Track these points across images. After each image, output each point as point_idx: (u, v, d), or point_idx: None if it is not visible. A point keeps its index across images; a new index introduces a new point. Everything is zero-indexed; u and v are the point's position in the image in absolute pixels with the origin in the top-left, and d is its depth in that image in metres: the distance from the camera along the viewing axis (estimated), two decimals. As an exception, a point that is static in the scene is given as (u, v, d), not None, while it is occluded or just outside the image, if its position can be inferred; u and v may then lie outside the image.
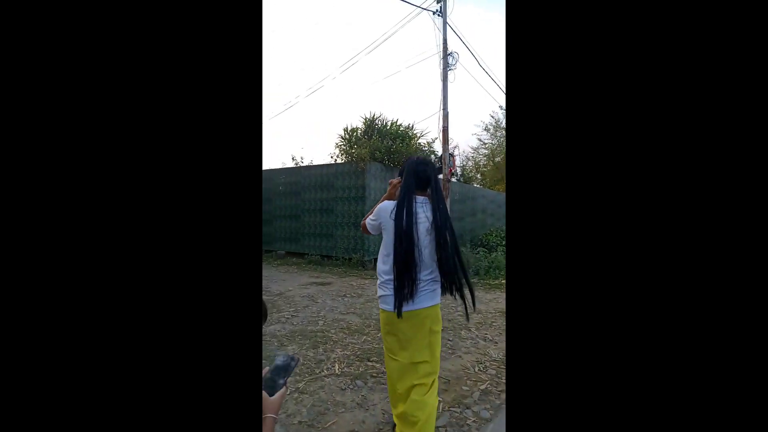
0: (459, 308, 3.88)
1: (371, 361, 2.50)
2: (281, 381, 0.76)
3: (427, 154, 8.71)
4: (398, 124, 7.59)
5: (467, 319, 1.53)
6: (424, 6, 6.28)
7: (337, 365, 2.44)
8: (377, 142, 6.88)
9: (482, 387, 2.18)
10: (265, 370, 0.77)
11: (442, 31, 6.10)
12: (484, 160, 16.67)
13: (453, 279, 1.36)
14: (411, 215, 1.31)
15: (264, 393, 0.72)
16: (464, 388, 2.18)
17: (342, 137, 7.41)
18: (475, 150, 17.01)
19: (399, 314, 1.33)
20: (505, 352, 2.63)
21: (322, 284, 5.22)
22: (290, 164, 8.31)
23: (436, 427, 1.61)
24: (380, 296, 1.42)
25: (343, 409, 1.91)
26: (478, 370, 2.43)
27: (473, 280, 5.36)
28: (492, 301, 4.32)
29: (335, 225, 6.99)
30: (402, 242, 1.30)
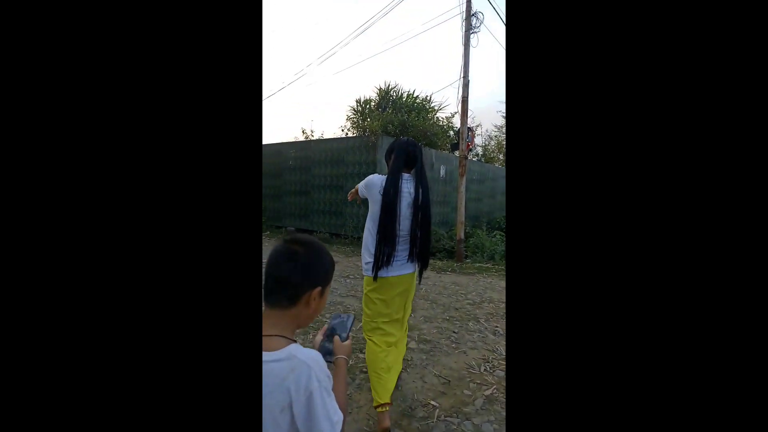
0: (468, 296, 3.56)
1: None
2: (344, 335, 0.79)
3: (444, 130, 8.16)
4: (414, 96, 7.04)
5: (419, 283, 1.67)
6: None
7: (324, 356, 2.18)
8: (391, 115, 6.40)
9: (487, 393, 1.86)
10: (321, 333, 0.80)
11: (465, -12, 5.43)
12: (508, 140, 15.76)
13: (423, 251, 1.58)
14: (397, 192, 1.48)
15: (335, 337, 0.78)
16: (466, 392, 1.87)
17: (354, 109, 6.96)
18: (498, 128, 16.14)
19: (375, 278, 1.51)
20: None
21: (327, 263, 5.00)
22: (301, 138, 8.00)
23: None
24: (366, 262, 1.57)
25: (321, 411, 1.65)
26: (484, 370, 2.10)
27: (488, 265, 5.09)
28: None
29: (345, 202, 6.69)
30: (387, 214, 1.47)
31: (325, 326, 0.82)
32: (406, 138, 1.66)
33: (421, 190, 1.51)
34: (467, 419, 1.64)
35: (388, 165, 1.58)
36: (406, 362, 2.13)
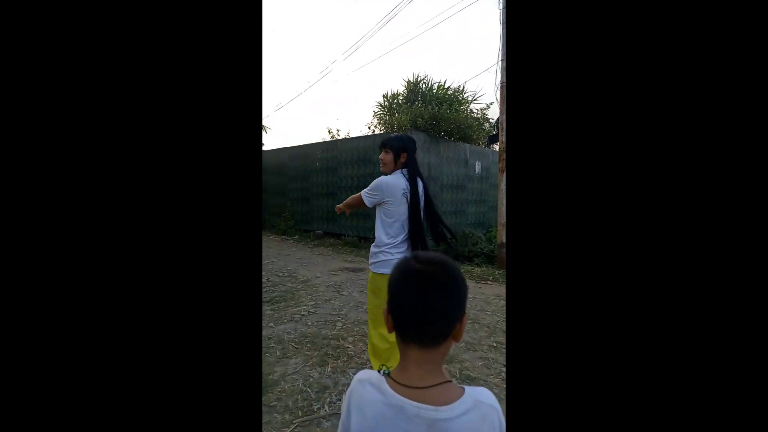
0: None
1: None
2: None
3: (479, 122, 7.52)
4: (445, 87, 6.50)
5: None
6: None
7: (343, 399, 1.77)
8: (420, 109, 5.91)
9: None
10: None
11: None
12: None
13: (445, 238, 1.71)
14: (417, 193, 1.61)
15: None
16: None
17: (381, 105, 6.55)
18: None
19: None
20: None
21: (353, 270, 4.64)
22: (327, 138, 7.74)
23: None
24: (383, 261, 1.61)
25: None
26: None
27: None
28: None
29: (373, 204, 6.32)
30: (416, 214, 1.58)
31: None
32: (405, 134, 1.75)
33: (423, 185, 1.65)
34: None
35: (389, 158, 1.62)
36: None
